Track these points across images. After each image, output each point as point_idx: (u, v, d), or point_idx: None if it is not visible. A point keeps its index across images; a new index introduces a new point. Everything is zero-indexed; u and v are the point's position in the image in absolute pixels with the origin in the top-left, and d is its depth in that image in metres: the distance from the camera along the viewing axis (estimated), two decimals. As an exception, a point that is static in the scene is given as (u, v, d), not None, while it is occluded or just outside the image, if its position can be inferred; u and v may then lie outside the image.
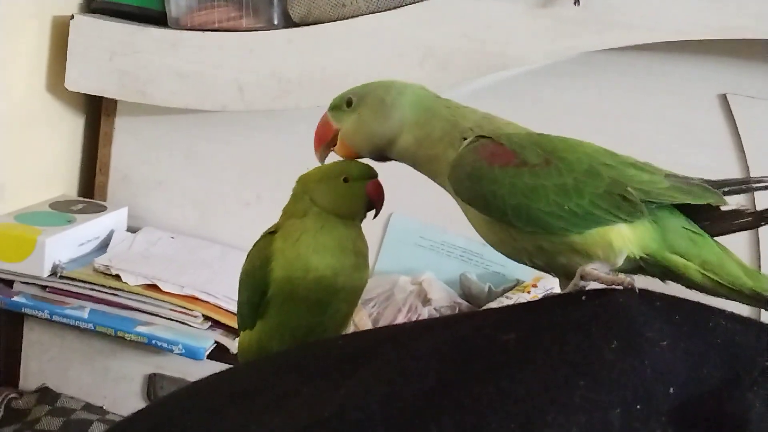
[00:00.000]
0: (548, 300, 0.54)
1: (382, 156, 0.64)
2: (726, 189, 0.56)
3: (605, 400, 0.41)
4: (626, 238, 0.54)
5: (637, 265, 0.56)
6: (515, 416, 0.39)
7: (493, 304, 1.28)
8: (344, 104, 0.64)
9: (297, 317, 0.66)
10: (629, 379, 0.42)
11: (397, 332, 0.54)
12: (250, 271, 0.69)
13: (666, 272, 0.55)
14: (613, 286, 0.52)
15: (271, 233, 0.69)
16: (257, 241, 0.70)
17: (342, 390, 0.44)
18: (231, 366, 0.67)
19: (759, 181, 0.58)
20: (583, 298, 0.51)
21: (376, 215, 0.70)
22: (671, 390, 0.42)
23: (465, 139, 0.58)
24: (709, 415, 0.42)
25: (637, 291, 0.51)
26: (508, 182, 0.54)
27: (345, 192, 0.67)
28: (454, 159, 0.58)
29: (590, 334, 0.45)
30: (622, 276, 0.52)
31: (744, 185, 0.58)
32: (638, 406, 0.41)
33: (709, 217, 0.56)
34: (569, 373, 0.42)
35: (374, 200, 0.68)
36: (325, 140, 0.66)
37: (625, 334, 0.45)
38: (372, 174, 0.68)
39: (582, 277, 0.53)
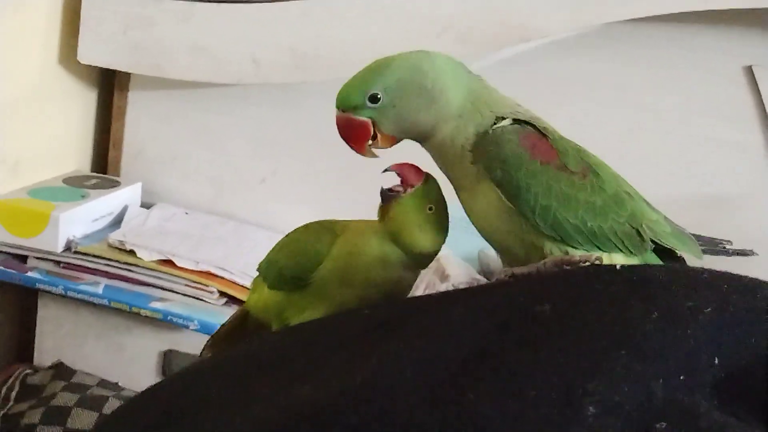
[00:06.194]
0: (581, 272, 0.53)
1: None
2: (705, 247, 0.59)
3: (647, 371, 0.39)
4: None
5: None
6: (555, 385, 0.38)
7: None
8: (366, 101, 0.55)
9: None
10: (671, 350, 0.41)
11: (424, 302, 0.52)
12: (303, 243, 0.61)
13: None
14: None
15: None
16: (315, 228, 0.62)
17: (373, 358, 0.42)
18: (252, 339, 0.65)
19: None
20: (618, 268, 0.49)
21: None
22: (716, 360, 0.41)
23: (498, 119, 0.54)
24: (756, 385, 0.40)
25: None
26: (546, 182, 0.53)
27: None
28: (490, 135, 0.54)
29: (629, 306, 0.44)
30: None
31: (720, 246, 0.61)
32: (681, 377, 0.39)
33: None
34: (609, 344, 0.41)
35: None
36: (366, 140, 0.57)
37: (666, 305, 0.43)
38: None
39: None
